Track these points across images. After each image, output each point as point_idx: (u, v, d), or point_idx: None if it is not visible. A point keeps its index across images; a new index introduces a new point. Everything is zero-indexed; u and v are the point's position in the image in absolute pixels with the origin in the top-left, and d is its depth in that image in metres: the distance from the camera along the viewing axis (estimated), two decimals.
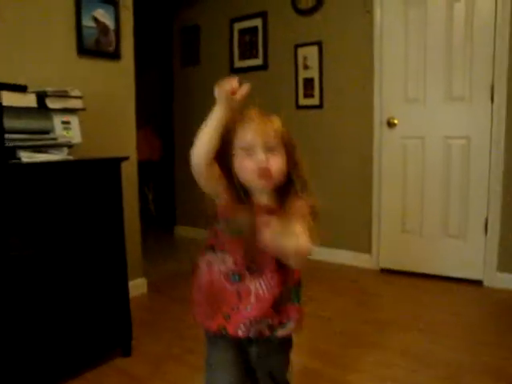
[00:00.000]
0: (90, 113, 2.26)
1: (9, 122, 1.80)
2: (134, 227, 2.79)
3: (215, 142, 1.04)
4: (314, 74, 3.65)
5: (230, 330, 1.13)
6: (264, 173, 1.06)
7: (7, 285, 1.67)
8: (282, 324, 1.16)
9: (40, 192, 1.76)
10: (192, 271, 1.22)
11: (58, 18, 2.42)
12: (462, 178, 3.09)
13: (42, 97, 1.95)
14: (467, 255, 3.10)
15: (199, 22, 4.41)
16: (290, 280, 1.16)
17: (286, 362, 1.28)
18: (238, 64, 4.13)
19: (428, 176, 3.22)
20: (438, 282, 3.13)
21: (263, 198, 1.13)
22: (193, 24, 4.46)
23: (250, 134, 1.07)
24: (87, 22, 2.53)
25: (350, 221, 3.57)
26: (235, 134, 1.08)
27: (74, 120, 2.09)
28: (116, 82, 2.74)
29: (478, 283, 3.05)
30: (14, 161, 1.78)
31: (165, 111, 5.15)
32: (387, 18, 3.25)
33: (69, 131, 2.05)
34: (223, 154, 1.08)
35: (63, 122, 2.04)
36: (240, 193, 1.10)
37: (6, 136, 1.78)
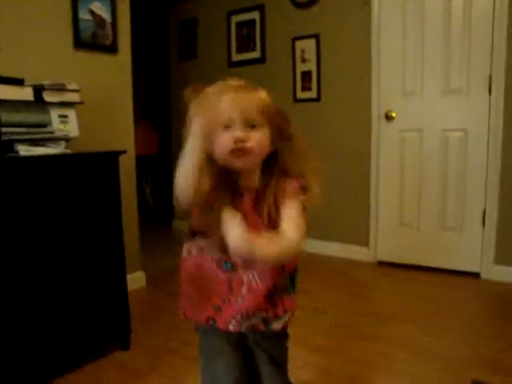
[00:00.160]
0: (87, 106, 2.25)
1: (6, 116, 1.80)
2: (132, 221, 2.79)
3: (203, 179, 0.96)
4: (311, 66, 3.64)
5: (221, 325, 1.09)
6: (239, 150, 0.97)
7: (4, 277, 1.67)
8: (277, 317, 1.10)
9: (38, 185, 1.75)
10: (181, 259, 1.16)
11: (55, 11, 2.41)
12: (459, 171, 3.09)
13: (38, 90, 1.95)
14: (464, 248, 3.11)
15: (196, 15, 4.39)
16: (286, 267, 1.11)
17: (285, 349, 1.24)
18: (236, 57, 4.12)
19: (426, 169, 3.22)
20: (435, 274, 3.14)
21: (251, 180, 1.05)
22: (190, 17, 4.43)
23: (227, 107, 0.97)
24: (84, 14, 2.51)
25: (347, 214, 3.57)
26: (215, 111, 0.98)
27: (72, 113, 2.09)
28: (113, 76, 2.73)
29: (475, 276, 3.06)
30: (11, 154, 1.77)
31: (162, 105, 5.14)
32: (385, 10, 3.24)
33: (66, 125, 2.05)
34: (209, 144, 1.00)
35: (60, 116, 2.03)
36: (221, 176, 1.00)
37: (3, 129, 1.77)
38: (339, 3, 3.45)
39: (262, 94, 1.02)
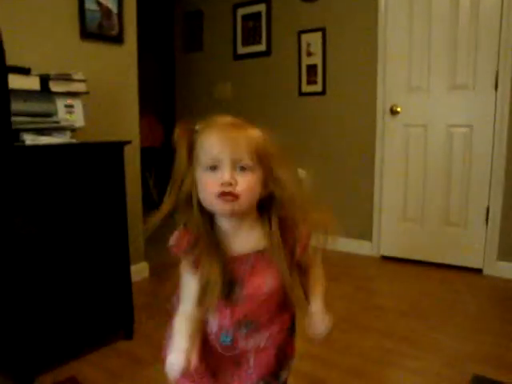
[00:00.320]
0: (92, 96, 2.26)
1: (12, 105, 1.80)
2: (136, 211, 2.79)
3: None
4: (317, 60, 3.63)
5: None
6: (226, 194, 0.87)
7: (11, 262, 1.69)
8: (284, 368, 1.03)
9: (43, 174, 1.76)
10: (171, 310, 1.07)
11: (61, 1, 2.40)
12: (463, 167, 3.09)
13: (45, 80, 1.95)
14: (468, 244, 3.11)
15: (202, 8, 4.37)
16: (291, 317, 1.03)
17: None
18: (241, 50, 4.11)
19: (430, 164, 3.21)
20: (438, 269, 3.15)
21: (244, 231, 0.95)
22: (196, 9, 4.42)
23: (215, 145, 0.87)
24: (90, 5, 2.51)
25: (351, 208, 3.57)
26: (200, 148, 0.90)
27: (77, 103, 2.09)
28: (119, 66, 2.73)
29: (477, 271, 3.06)
30: (18, 143, 1.78)
31: (167, 98, 5.13)
32: (391, 4, 3.22)
33: (72, 115, 2.05)
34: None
35: (66, 106, 2.04)
36: (207, 228, 0.95)
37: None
38: None
39: (255, 133, 0.91)
